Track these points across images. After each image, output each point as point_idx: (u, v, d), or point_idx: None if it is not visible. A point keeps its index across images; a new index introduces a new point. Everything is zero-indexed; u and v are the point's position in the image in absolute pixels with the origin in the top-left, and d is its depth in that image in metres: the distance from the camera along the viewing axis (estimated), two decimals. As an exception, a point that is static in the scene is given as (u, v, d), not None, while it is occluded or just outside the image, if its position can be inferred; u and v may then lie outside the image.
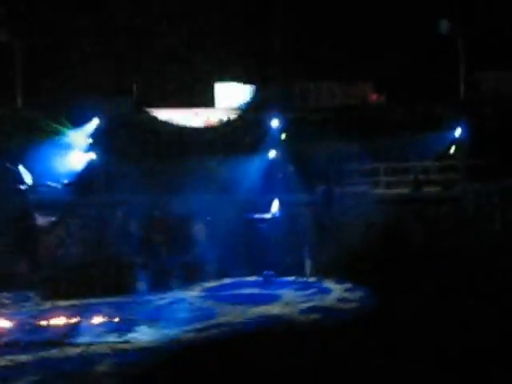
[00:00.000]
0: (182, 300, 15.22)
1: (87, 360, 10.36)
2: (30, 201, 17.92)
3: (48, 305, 14.72)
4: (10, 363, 10.15)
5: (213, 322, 12.89)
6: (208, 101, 24.15)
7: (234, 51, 23.95)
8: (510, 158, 19.36)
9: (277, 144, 22.14)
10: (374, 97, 23.87)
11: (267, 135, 22.16)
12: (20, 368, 9.91)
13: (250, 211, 20.15)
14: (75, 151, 19.96)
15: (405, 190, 21.20)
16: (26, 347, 11.04)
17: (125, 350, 10.86)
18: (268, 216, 19.81)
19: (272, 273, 17.86)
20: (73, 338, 11.60)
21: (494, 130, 20.34)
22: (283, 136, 22.11)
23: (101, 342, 11.31)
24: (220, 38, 24.10)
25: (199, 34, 24.25)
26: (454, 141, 21.29)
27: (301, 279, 17.60)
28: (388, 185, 21.86)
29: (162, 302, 14.95)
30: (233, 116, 23.44)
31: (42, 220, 17.89)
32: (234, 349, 10.87)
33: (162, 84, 23.57)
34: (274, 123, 22.07)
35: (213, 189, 20.73)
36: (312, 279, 17.63)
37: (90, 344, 11.20)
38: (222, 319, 13.12)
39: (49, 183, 18.28)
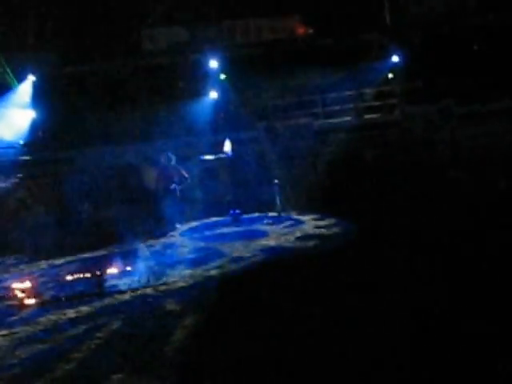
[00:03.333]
0: (172, 244, 15.39)
1: (150, 302, 10.51)
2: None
3: (49, 263, 14.49)
4: (79, 314, 10.16)
5: (226, 258, 13.19)
6: (136, 47, 23.74)
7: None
8: (444, 79, 20.53)
9: (216, 84, 22.31)
10: (301, 30, 24.32)
11: (205, 76, 22.26)
12: (96, 316, 9.95)
13: (202, 153, 20.40)
14: (17, 110, 19.33)
15: (346, 119, 22.00)
16: (70, 301, 10.99)
17: (174, 290, 11.08)
18: (222, 156, 20.10)
19: (239, 211, 18.26)
20: (108, 288, 11.62)
21: (425, 52, 21.36)
22: (222, 76, 22.26)
23: (139, 288, 11.41)
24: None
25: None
26: (389, 67, 22.23)
27: (269, 215, 17.97)
28: (328, 116, 22.62)
29: (156, 249, 15.06)
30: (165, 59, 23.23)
31: (1, 182, 17.35)
32: (270, 275, 11.33)
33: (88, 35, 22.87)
34: (212, 63, 22.16)
35: (158, 135, 20.79)
36: (280, 214, 18.06)
37: (136, 289, 11.30)
38: (232, 255, 13.43)
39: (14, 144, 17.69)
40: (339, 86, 22.22)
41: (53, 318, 10.14)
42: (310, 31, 24.14)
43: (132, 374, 7.53)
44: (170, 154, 17.27)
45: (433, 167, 18.70)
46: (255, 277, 11.67)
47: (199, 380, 7.30)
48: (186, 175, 17.24)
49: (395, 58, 22.01)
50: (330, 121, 22.52)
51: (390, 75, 22.41)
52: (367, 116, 22.13)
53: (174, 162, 17.29)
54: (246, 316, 9.25)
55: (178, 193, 17.19)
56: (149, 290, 11.32)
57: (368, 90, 22.58)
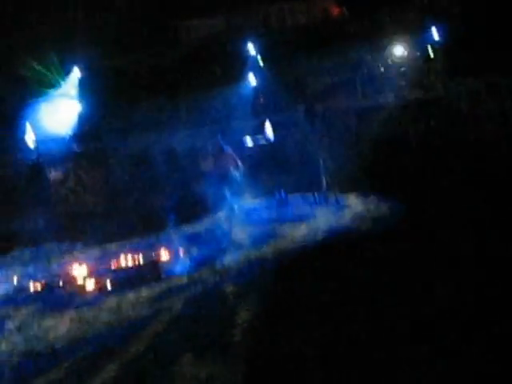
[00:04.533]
0: (223, 228, 15.58)
1: (209, 285, 10.76)
2: (40, 155, 17.72)
3: (102, 249, 14.84)
4: (140, 297, 10.45)
5: (277, 241, 13.33)
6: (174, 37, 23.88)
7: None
8: (488, 51, 20.03)
9: (254, 70, 22.41)
10: (336, 11, 24.21)
11: (243, 63, 22.36)
12: (157, 299, 10.23)
13: (244, 138, 20.55)
14: (64, 102, 19.71)
15: (386, 98, 21.80)
16: (130, 285, 11.29)
17: (231, 272, 11.32)
18: (264, 139, 20.24)
19: (284, 194, 18.34)
20: (164, 272, 11.90)
21: (467, 25, 20.89)
22: (260, 61, 22.35)
23: (196, 271, 11.65)
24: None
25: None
26: (429, 42, 21.91)
27: (315, 197, 17.94)
28: (368, 95, 22.47)
29: (207, 233, 15.29)
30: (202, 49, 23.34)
31: (52, 173, 17.75)
32: (324, 256, 11.43)
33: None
34: (249, 50, 22.26)
35: (200, 122, 20.99)
36: (326, 195, 18.03)
37: (192, 272, 11.55)
38: (282, 237, 13.56)
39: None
40: (377, 65, 22.04)
41: (115, 301, 10.45)
42: (345, 12, 23.99)
43: (201, 355, 7.72)
44: (220, 140, 17.47)
45: (481, 144, 18.39)
46: (309, 258, 11.76)
47: (267, 359, 7.44)
48: (239, 162, 17.40)
49: (435, 33, 21.62)
50: (370, 100, 22.40)
51: (431, 51, 22.05)
52: (409, 94, 21.92)
53: (224, 147, 17.52)
54: (306, 296, 9.36)
55: (232, 178, 17.36)
56: (206, 273, 11.54)
57: (408, 68, 22.32)
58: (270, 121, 20.48)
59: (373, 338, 7.38)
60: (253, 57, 22.28)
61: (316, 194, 17.95)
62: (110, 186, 17.99)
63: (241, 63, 22.13)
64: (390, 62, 22.24)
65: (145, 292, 10.80)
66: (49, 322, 9.62)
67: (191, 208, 17.15)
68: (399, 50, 22.10)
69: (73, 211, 17.52)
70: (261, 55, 22.31)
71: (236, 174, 17.62)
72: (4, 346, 8.71)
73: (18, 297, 11.67)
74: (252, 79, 22.15)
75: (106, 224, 16.72)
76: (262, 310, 9.26)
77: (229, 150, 17.77)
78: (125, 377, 7.36)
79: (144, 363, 7.77)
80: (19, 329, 9.42)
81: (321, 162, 18.53)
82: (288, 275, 10.86)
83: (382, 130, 20.15)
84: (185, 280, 11.34)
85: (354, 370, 6.70)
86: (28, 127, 17.90)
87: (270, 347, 7.81)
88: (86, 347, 8.37)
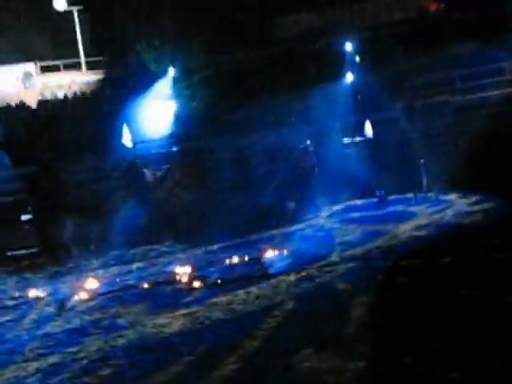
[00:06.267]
0: (323, 227, 15.38)
1: (318, 282, 10.54)
2: (138, 156, 17.95)
3: (204, 248, 14.86)
4: (250, 295, 10.33)
5: (381, 239, 13.03)
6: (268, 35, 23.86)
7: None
8: None
9: (350, 67, 22.06)
10: (433, 6, 23.62)
11: (339, 60, 22.05)
12: (268, 296, 10.09)
13: (343, 137, 20.24)
14: (162, 102, 19.96)
15: (485, 94, 21.08)
16: (238, 283, 11.20)
17: (339, 270, 11.07)
18: (363, 138, 19.90)
19: (384, 193, 17.97)
20: (271, 270, 11.75)
21: None
22: (356, 58, 21.99)
23: (302, 269, 11.44)
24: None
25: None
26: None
27: (416, 195, 17.52)
28: (466, 91, 21.78)
29: (307, 231, 15.09)
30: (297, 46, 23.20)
31: (150, 174, 17.91)
32: (431, 254, 11.05)
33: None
34: (345, 46, 21.93)
35: (295, 121, 20.78)
36: (427, 194, 17.59)
37: (299, 270, 11.35)
38: (386, 235, 13.24)
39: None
40: (475, 61, 21.30)
41: (225, 298, 10.34)
42: (442, 7, 23.35)
43: (319, 350, 7.49)
44: (308, 141, 17.36)
45: None
46: (418, 256, 11.40)
47: (385, 355, 7.15)
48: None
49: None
50: (469, 97, 21.65)
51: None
52: (509, 90, 21.08)
53: (311, 147, 17.37)
54: (416, 293, 9.06)
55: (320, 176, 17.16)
56: (312, 271, 11.33)
57: (507, 64, 21.50)
58: (368, 119, 20.11)
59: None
60: (349, 53, 21.94)
61: (416, 193, 17.53)
62: (207, 186, 17.97)
63: (337, 60, 21.83)
64: (486, 57, 21.42)
65: (253, 289, 10.64)
66: (161, 319, 9.58)
67: (291, 207, 17.00)
68: (496, 46, 21.23)
69: (171, 211, 17.59)
70: (357, 52, 21.94)
71: (334, 174, 17.40)
72: (120, 342, 8.68)
73: (125, 296, 11.71)
74: (349, 76, 21.79)
75: (206, 224, 16.75)
76: (375, 306, 8.96)
77: (309, 150, 17.60)
78: (245, 371, 7.18)
79: (263, 358, 7.57)
80: (133, 326, 9.41)
81: (421, 160, 18.07)
82: (397, 272, 10.55)
83: (484, 126, 19.41)
84: (292, 277, 11.13)
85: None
86: (125, 128, 18.15)
87: (386, 343, 7.51)
88: (203, 343, 8.23)
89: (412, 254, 11.66)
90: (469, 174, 17.61)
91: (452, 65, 21.99)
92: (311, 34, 23.51)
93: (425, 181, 17.61)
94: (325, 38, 22.89)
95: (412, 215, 15.39)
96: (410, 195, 17.63)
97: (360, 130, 19.82)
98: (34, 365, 8.32)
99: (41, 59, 22.31)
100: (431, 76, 22.19)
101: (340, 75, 22.25)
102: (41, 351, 8.95)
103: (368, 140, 19.55)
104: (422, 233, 13.20)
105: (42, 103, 21.09)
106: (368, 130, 19.56)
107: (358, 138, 19.77)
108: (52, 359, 8.45)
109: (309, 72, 22.44)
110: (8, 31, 22.20)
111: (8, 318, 11.44)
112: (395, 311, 8.54)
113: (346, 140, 20.12)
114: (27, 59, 22.00)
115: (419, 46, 21.86)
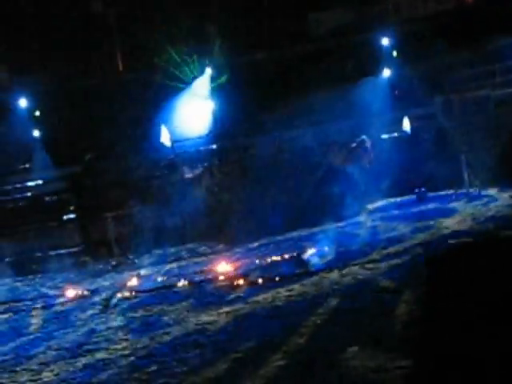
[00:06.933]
0: (364, 224, 15.31)
1: (361, 279, 10.51)
2: (177, 155, 18.08)
3: (244, 247, 14.93)
4: (293, 292, 10.34)
5: (423, 236, 12.93)
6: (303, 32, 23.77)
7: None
8: None
9: (387, 62, 21.86)
10: (470, -2, 23.29)
11: (375, 55, 21.86)
12: (311, 293, 10.11)
13: (381, 133, 20.07)
14: (198, 101, 20.04)
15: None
16: (280, 280, 11.23)
17: (382, 267, 11.03)
18: (400, 134, 19.71)
19: (424, 189, 17.80)
20: (312, 267, 11.76)
21: None
22: (393, 53, 21.78)
23: (344, 266, 11.41)
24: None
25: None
26: None
27: (457, 192, 17.29)
28: (507, 85, 21.43)
29: (349, 228, 15.05)
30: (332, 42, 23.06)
31: (189, 172, 18.02)
32: (475, 251, 10.96)
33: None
34: (381, 41, 21.73)
35: (333, 117, 20.67)
36: (469, 190, 17.34)
37: (342, 267, 11.32)
38: (428, 233, 13.11)
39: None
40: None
41: (267, 296, 10.38)
42: (480, -2, 23.02)
43: (365, 348, 7.46)
44: (364, 137, 17.25)
45: None
46: (462, 251, 11.30)
47: (431, 353, 7.09)
48: (371, 160, 17.08)
49: None
50: (510, 90, 21.30)
51: None
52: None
53: (368, 144, 17.25)
54: (462, 289, 8.95)
55: (364, 174, 17.07)
56: (355, 268, 11.29)
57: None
58: (406, 114, 19.91)
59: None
60: (385, 48, 21.74)
61: (457, 188, 17.33)
62: (247, 184, 18.01)
63: (373, 55, 21.66)
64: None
65: (296, 286, 10.66)
66: (205, 316, 9.66)
67: (330, 204, 16.94)
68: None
69: (210, 210, 17.67)
70: (393, 46, 21.73)
71: (373, 170, 17.29)
72: (165, 339, 8.78)
73: (168, 294, 11.82)
74: (386, 72, 21.60)
75: (244, 222, 16.80)
76: (420, 303, 8.90)
77: (365, 145, 17.47)
78: (291, 368, 7.20)
79: (308, 355, 7.58)
80: (178, 323, 9.50)
81: (462, 155, 17.87)
82: (441, 268, 10.48)
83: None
84: (335, 274, 11.12)
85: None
86: (163, 128, 18.28)
87: (433, 341, 7.45)
88: (248, 340, 8.27)
89: (455, 249, 11.54)
90: (511, 168, 17.40)
91: (492, 58, 21.66)
92: (347, 30, 23.35)
93: (466, 176, 17.36)
94: (361, 33, 22.69)
95: (453, 211, 15.21)
96: (451, 191, 17.41)
97: (398, 125, 19.61)
98: (82, 360, 8.48)
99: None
100: (470, 70, 21.87)
101: (377, 71, 22.04)
102: (88, 347, 9.11)
103: (406, 135, 19.34)
104: (465, 228, 13.03)
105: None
106: (406, 125, 19.35)
107: (396, 134, 19.58)
108: (99, 355, 8.59)
109: (345, 68, 22.30)
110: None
111: (53, 316, 11.65)
112: (441, 308, 8.46)
113: (384, 136, 19.94)
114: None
115: (457, 39, 21.55)
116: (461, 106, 20.97)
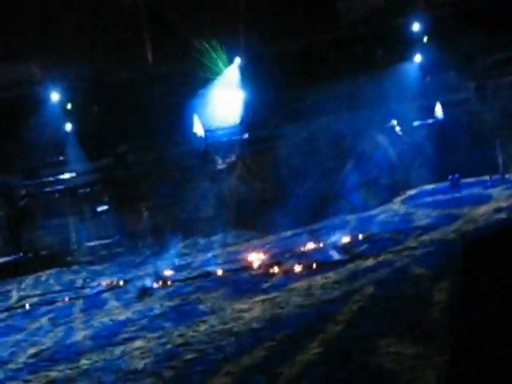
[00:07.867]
0: (398, 211, 15.23)
1: (397, 266, 10.44)
2: (209, 144, 18.12)
3: (278, 236, 14.92)
4: (328, 280, 10.31)
5: (458, 223, 12.77)
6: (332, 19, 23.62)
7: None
8: None
9: (419, 48, 21.65)
10: (504, -18, 22.82)
11: (407, 41, 21.66)
12: (347, 281, 10.06)
13: (413, 119, 19.92)
14: (228, 91, 20.04)
15: None
16: (316, 268, 11.18)
17: (418, 254, 10.91)
18: (433, 120, 19.55)
19: (458, 176, 17.65)
20: (348, 254, 11.71)
21: None
22: (425, 38, 21.56)
23: (380, 253, 11.34)
24: None
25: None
26: None
27: (491, 178, 17.12)
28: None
29: (383, 216, 14.94)
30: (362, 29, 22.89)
31: (221, 161, 18.06)
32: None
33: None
34: (412, 27, 21.52)
35: (365, 105, 20.54)
36: (504, 176, 17.15)
37: (377, 255, 11.27)
38: (463, 219, 12.96)
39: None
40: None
41: (303, 284, 10.35)
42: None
43: (403, 335, 7.39)
44: (393, 122, 17.12)
45: None
46: (498, 239, 11.13)
47: (469, 342, 7.00)
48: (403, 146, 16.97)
49: None
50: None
51: None
52: None
53: (397, 129, 17.13)
54: (499, 279, 8.81)
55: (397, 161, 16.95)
56: (390, 256, 11.21)
57: None
58: (439, 100, 19.72)
59: None
60: (416, 33, 21.51)
61: (492, 175, 17.14)
62: (278, 172, 18.01)
63: (404, 41, 21.45)
64: None
65: (331, 274, 10.62)
66: (241, 304, 9.66)
67: (362, 192, 16.86)
68: None
69: (243, 199, 17.71)
70: (424, 31, 21.49)
71: (406, 157, 17.19)
72: (202, 327, 8.81)
73: (203, 282, 11.87)
74: (417, 57, 21.39)
75: (279, 210, 16.78)
76: (457, 291, 8.77)
77: (397, 133, 17.37)
78: (328, 355, 7.17)
79: (345, 342, 7.54)
80: (213, 311, 9.53)
81: (496, 140, 17.65)
82: (477, 255, 10.34)
83: None
84: (370, 262, 11.05)
85: None
86: (196, 118, 18.34)
87: (471, 330, 7.35)
88: (284, 328, 8.26)
89: (491, 236, 11.39)
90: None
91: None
92: (377, 16, 23.13)
93: (500, 162, 17.13)
94: (391, 18, 22.48)
95: (488, 198, 15.02)
96: (485, 177, 17.21)
97: (430, 112, 19.44)
98: (120, 348, 8.53)
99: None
100: (504, 54, 21.58)
101: (408, 56, 21.84)
102: (124, 336, 9.18)
103: (439, 122, 19.15)
104: (501, 215, 12.85)
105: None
106: (439, 111, 19.18)
107: (428, 121, 19.40)
108: (137, 344, 8.64)
109: (376, 54, 22.13)
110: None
111: (90, 305, 11.77)
112: (479, 296, 8.34)
113: (417, 123, 19.77)
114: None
115: (490, 22, 21.25)
116: (494, 90, 20.71)
